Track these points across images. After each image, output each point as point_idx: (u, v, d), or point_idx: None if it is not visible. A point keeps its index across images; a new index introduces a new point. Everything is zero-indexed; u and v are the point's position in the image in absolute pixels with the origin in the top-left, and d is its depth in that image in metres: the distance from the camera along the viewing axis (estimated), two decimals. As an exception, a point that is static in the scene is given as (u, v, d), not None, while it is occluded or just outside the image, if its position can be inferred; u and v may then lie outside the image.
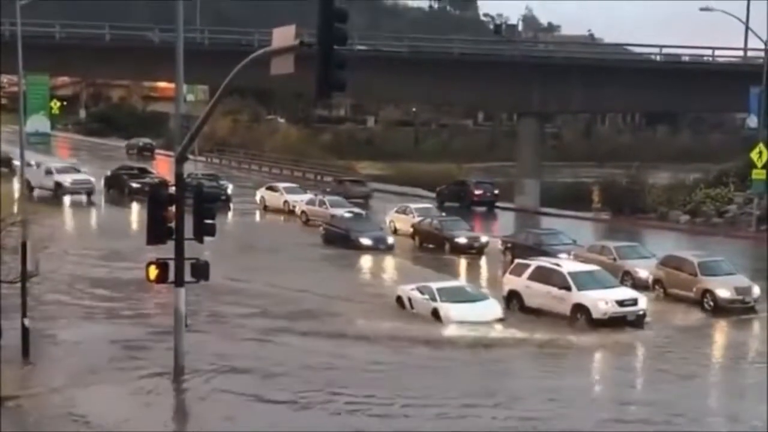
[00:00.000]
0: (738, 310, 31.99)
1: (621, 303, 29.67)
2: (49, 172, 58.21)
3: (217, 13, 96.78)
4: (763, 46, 55.75)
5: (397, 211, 50.08)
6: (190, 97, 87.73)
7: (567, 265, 32.37)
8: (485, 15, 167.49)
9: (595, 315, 29.26)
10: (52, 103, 68.59)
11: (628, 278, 35.02)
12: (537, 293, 30.97)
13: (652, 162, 64.99)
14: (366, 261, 41.37)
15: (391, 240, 44.35)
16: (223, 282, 30.51)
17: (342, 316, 30.09)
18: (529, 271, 31.61)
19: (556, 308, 30.20)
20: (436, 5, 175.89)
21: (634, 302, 29.93)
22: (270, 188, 59.32)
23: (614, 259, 36.61)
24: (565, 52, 71.55)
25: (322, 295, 32.68)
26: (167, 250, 21.85)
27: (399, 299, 31.30)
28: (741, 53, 62.85)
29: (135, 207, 53.22)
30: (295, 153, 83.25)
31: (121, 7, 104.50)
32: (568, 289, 30.07)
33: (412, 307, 30.64)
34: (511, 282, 32.19)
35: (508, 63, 62.76)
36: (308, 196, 55.65)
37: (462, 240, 43.74)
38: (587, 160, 77.95)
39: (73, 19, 67.52)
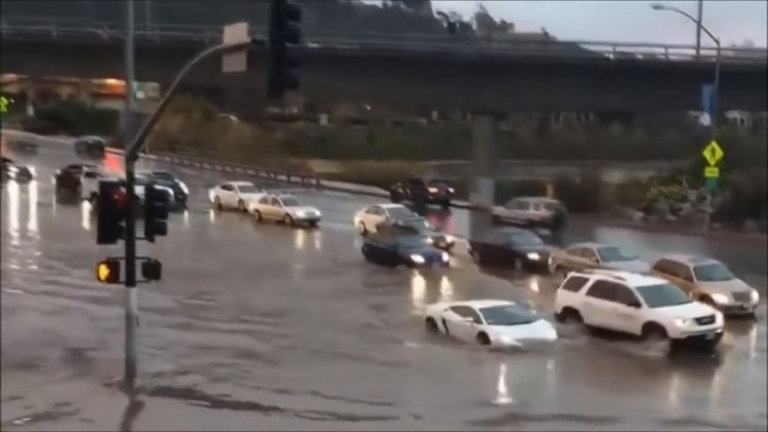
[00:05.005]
0: (736, 317, 29.85)
1: (699, 321, 26.82)
2: None
3: (167, 10, 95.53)
4: (715, 45, 56.05)
5: (367, 212, 49.32)
6: (140, 95, 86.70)
7: (631, 278, 28.98)
8: (439, 13, 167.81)
9: (672, 334, 26.30)
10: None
11: None
12: (599, 310, 27.88)
13: (606, 160, 65.28)
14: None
15: (446, 257, 39.44)
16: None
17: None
18: (588, 285, 28.59)
19: (622, 327, 27.10)
20: (389, 3, 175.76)
21: (712, 319, 27.02)
22: (225, 187, 58.78)
23: (597, 261, 35.18)
24: (519, 50, 71.52)
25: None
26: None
27: (430, 320, 28.50)
28: (694, 51, 63.12)
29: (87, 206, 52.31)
30: (248, 151, 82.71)
31: (67, 3, 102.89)
32: (638, 305, 27.11)
33: (446, 330, 27.74)
34: (566, 298, 29.00)
35: (462, 61, 62.49)
36: (263, 194, 55.19)
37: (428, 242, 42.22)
38: (542, 158, 78.13)
39: (18, 15, 66.21)
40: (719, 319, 27.13)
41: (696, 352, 26.16)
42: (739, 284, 31.87)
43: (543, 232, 46.53)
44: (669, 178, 60.00)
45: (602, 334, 27.39)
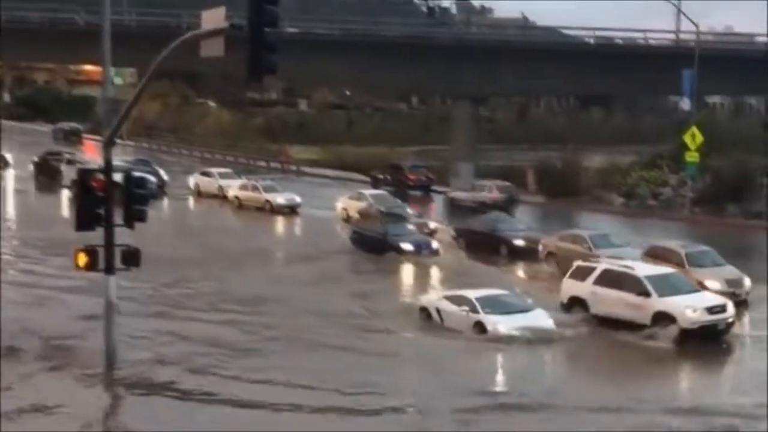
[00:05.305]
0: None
1: (710, 310, 26.31)
2: None
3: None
4: (695, 29, 56.04)
5: (350, 198, 49.04)
6: (117, 81, 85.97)
7: (640, 267, 28.58)
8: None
9: (684, 324, 25.72)
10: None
11: None
12: (606, 300, 27.37)
13: (587, 145, 65.12)
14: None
15: (435, 244, 38.78)
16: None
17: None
18: (595, 274, 28.07)
19: (631, 317, 26.57)
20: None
21: (723, 309, 26.52)
22: (204, 173, 58.37)
23: (589, 248, 34.70)
24: (499, 35, 71.27)
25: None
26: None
27: (423, 310, 28.00)
28: (673, 36, 63.11)
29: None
30: (227, 137, 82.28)
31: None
32: (647, 295, 26.61)
33: (441, 320, 27.27)
34: (572, 287, 28.51)
35: (442, 46, 62.26)
36: (242, 181, 54.85)
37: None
38: (521, 143, 77.94)
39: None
40: (730, 308, 26.61)
41: (706, 342, 25.71)
42: (731, 270, 31.44)
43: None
44: (649, 162, 60.02)
45: (605, 324, 26.91)
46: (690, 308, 26.07)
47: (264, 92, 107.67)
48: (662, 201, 55.16)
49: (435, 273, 35.76)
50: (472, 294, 27.20)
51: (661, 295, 26.55)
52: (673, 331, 25.75)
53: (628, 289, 27.09)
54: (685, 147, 52.82)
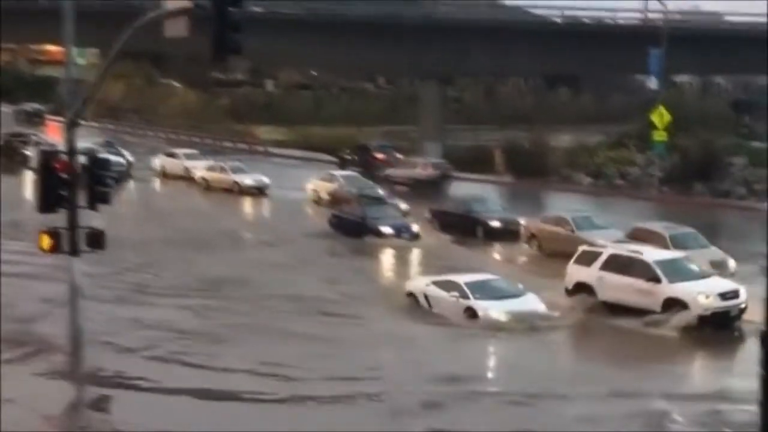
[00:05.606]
0: None
1: (723, 296, 25.54)
2: None
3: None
4: (662, 8, 55.99)
5: (321, 179, 48.60)
6: (80, 61, 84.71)
7: (648, 252, 27.68)
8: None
9: (696, 311, 25.05)
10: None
11: None
12: (614, 286, 26.66)
13: (554, 124, 64.99)
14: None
15: (415, 228, 38.07)
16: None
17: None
18: (602, 259, 27.34)
19: (641, 303, 25.88)
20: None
21: (736, 294, 25.65)
22: (169, 155, 57.78)
23: (572, 230, 34.41)
24: (467, 15, 70.82)
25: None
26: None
27: (410, 296, 27.52)
28: (641, 15, 63.08)
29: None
30: (192, 117, 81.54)
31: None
32: (657, 280, 25.90)
33: (429, 306, 26.77)
34: (577, 273, 27.72)
35: (409, 25, 61.84)
36: (208, 162, 54.30)
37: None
38: (489, 122, 77.62)
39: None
40: (743, 293, 25.63)
41: (717, 329, 25.00)
42: (715, 252, 31.11)
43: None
44: (617, 142, 60.19)
45: (606, 310, 26.47)
46: (702, 294, 25.35)
47: (229, 72, 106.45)
48: (630, 180, 55.27)
49: (416, 257, 35.44)
50: (461, 279, 26.73)
51: (672, 280, 25.94)
52: (683, 318, 25.04)
53: (636, 275, 26.40)
54: (652, 126, 52.86)
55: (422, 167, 55.44)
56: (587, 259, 27.87)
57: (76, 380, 20.35)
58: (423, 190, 50.74)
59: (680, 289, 25.69)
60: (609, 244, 29.48)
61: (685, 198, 49.97)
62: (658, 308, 25.64)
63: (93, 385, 20.16)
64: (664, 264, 26.64)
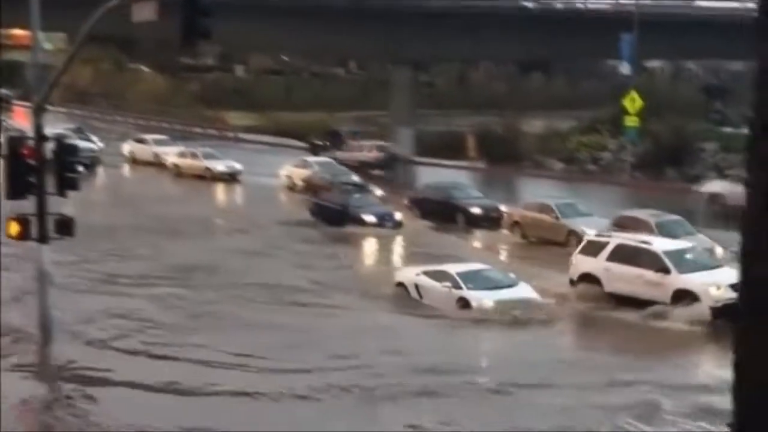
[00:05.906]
0: None
1: (735, 287, 25.08)
2: None
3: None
4: (634, -7, 55.87)
5: (295, 165, 48.21)
6: (47, 46, 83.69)
7: (657, 242, 26.94)
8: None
9: (707, 303, 24.15)
10: None
11: (573, 239, 31.72)
12: (622, 277, 25.96)
13: (526, 110, 64.90)
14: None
15: (398, 216, 37.60)
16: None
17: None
18: (609, 250, 26.62)
19: (649, 294, 25.17)
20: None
21: None
22: (138, 140, 57.26)
23: (556, 218, 34.19)
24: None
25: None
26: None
27: (400, 286, 27.00)
28: (613, 0, 62.91)
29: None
30: (161, 103, 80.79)
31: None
32: (666, 271, 25.20)
33: (420, 296, 26.35)
34: (583, 263, 27.03)
35: (381, 10, 61.41)
36: (179, 148, 53.80)
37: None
38: (462, 108, 77.45)
39: None
40: None
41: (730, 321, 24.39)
42: (702, 239, 30.67)
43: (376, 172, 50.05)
44: (589, 127, 60.19)
45: (605, 301, 25.97)
46: (714, 285, 24.35)
47: (199, 57, 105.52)
48: (602, 166, 55.36)
49: (398, 246, 35.09)
50: (453, 269, 26.34)
51: (682, 271, 25.27)
52: (694, 310, 24.26)
53: (645, 266, 25.69)
54: (624, 112, 52.92)
55: (368, 150, 55.93)
56: (593, 249, 27.20)
57: (44, 375, 19.94)
58: (368, 172, 50.53)
59: (690, 281, 25.01)
60: (606, 234, 28.94)
61: (657, 183, 50.04)
62: (667, 300, 24.96)
63: (61, 380, 19.69)
64: (674, 254, 25.99)
